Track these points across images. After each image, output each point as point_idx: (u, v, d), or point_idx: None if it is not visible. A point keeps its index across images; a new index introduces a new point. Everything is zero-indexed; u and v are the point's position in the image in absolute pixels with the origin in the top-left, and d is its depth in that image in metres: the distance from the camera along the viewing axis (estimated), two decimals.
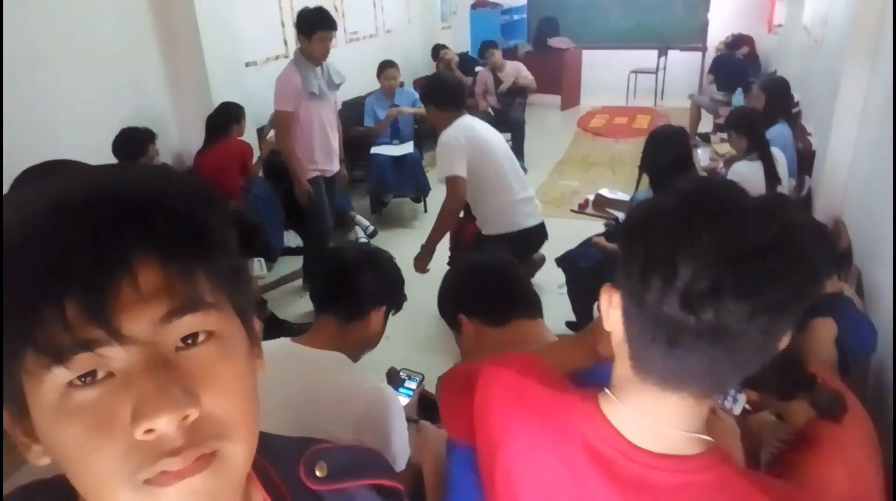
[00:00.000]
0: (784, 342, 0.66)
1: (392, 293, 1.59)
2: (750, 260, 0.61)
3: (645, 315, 0.66)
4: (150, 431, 0.41)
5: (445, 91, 3.06)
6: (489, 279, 1.42)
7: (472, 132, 2.95)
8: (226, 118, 4.01)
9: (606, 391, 0.76)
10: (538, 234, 3.18)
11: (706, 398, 0.71)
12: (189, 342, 0.45)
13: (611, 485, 0.72)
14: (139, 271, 0.42)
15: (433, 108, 3.07)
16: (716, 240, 0.61)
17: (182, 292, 0.43)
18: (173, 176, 0.48)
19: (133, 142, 3.42)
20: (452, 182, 2.91)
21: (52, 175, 0.46)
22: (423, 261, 3.08)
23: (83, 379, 0.42)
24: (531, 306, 1.39)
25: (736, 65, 7.40)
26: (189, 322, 0.44)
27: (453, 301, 1.44)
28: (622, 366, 0.73)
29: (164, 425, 0.41)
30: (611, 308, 0.72)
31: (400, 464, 1.43)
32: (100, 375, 0.42)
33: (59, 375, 0.41)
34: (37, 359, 0.41)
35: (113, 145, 3.39)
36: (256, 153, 4.41)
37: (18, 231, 0.41)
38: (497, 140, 3.04)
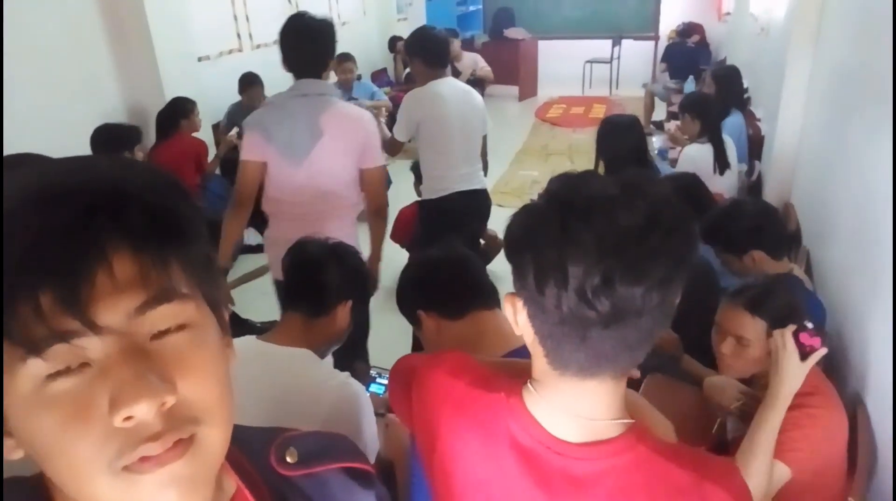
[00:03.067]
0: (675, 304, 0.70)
1: (357, 287, 1.59)
2: (630, 245, 0.64)
3: (550, 318, 0.69)
4: (128, 418, 0.42)
5: (434, 48, 2.95)
6: (444, 273, 1.43)
7: (436, 101, 2.91)
8: (172, 114, 3.94)
9: (529, 385, 0.78)
10: (472, 198, 3.11)
11: (623, 377, 0.75)
12: (163, 330, 0.45)
13: (537, 480, 0.75)
14: (114, 261, 0.42)
15: (420, 62, 2.96)
16: (595, 234, 0.65)
17: (156, 283, 0.44)
18: (143, 167, 0.49)
19: (120, 140, 3.38)
20: (391, 140, 3.07)
21: (20, 168, 0.46)
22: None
23: (60, 371, 0.42)
24: (488, 296, 1.41)
25: (687, 53, 7.56)
26: (164, 312, 0.45)
27: (411, 298, 1.45)
28: (539, 362, 0.75)
29: (143, 411, 0.42)
30: (517, 314, 0.74)
31: (370, 459, 1.43)
32: (74, 365, 0.42)
33: (35, 366, 0.41)
34: (12, 351, 0.41)
35: (92, 142, 3.33)
36: (213, 150, 4.33)
37: None
38: (459, 115, 2.95)
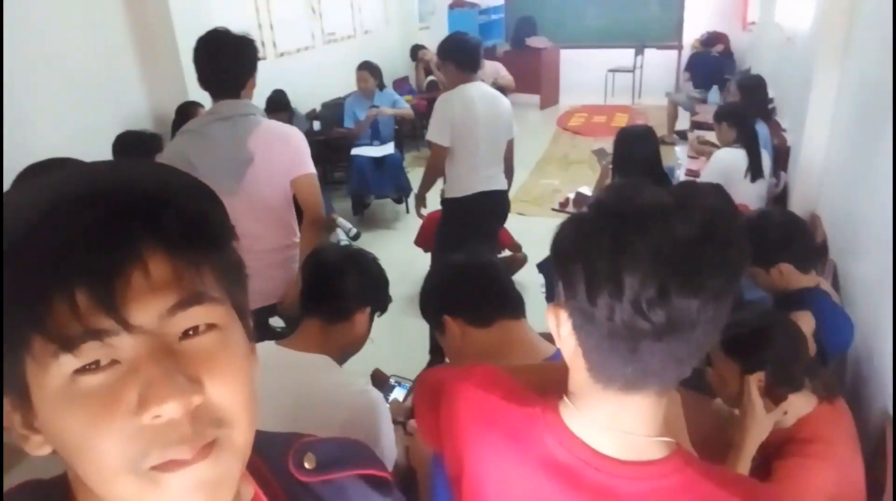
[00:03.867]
0: (726, 317, 0.68)
1: (376, 294, 1.59)
2: (688, 257, 0.63)
3: (598, 330, 0.67)
4: (157, 416, 0.42)
5: (467, 52, 3.05)
6: (473, 279, 1.43)
7: (468, 104, 3.02)
8: (179, 119, 3.97)
9: (566, 399, 0.76)
10: (493, 199, 3.21)
11: (666, 393, 0.72)
12: (192, 331, 0.46)
13: (574, 496, 0.73)
14: (149, 263, 0.43)
15: (452, 66, 3.06)
16: (651, 245, 0.63)
17: (189, 285, 0.45)
18: (179, 173, 0.50)
19: (140, 147, 3.34)
20: (433, 146, 3.12)
21: (58, 170, 0.46)
22: (418, 206, 3.56)
23: (89, 366, 0.42)
24: (515, 306, 1.40)
25: (711, 62, 7.50)
26: (194, 314, 0.45)
27: (437, 302, 1.43)
28: (579, 375, 0.73)
29: (171, 410, 0.42)
30: (560, 327, 0.72)
31: (387, 467, 1.42)
32: (104, 362, 0.43)
33: (66, 362, 0.42)
34: (44, 346, 0.41)
35: (114, 149, 3.33)
36: None
37: (29, 221, 0.42)
38: (485, 119, 3.05)
